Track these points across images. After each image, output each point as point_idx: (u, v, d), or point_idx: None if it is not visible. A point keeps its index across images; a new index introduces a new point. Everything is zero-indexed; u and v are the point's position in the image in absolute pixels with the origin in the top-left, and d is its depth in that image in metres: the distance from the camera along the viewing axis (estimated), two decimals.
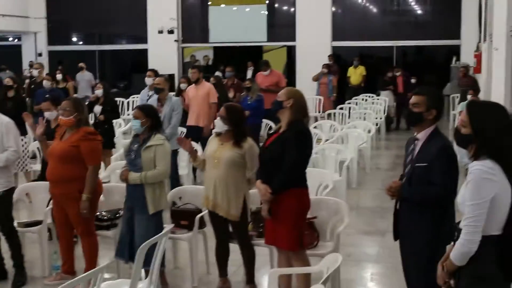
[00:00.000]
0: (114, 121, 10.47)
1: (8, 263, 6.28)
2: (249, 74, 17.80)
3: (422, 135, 4.27)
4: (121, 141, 10.32)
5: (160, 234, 4.78)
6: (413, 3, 20.19)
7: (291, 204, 5.06)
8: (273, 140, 5.14)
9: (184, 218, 6.17)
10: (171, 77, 18.18)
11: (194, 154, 5.77)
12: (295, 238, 5.10)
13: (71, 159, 5.78)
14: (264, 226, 5.38)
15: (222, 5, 20.73)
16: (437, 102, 4.31)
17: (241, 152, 5.45)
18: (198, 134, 9.58)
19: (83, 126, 5.86)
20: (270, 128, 11.22)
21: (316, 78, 16.00)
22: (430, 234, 4.17)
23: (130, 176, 5.59)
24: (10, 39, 23.54)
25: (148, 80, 11.02)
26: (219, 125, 5.53)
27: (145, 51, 20.74)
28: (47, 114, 7.26)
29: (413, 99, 4.30)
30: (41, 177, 7.18)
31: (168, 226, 5.28)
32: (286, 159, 4.97)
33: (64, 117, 5.84)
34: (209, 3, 20.68)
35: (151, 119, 5.63)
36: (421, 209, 4.21)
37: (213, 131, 5.84)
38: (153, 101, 8.63)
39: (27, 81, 14.45)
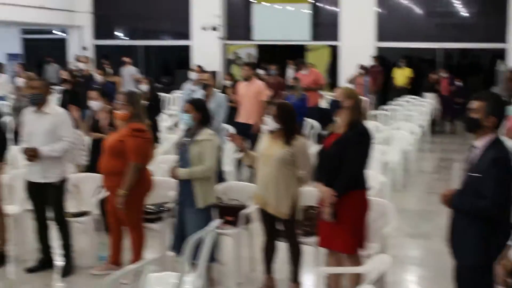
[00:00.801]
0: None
1: (57, 252, 6.39)
2: (290, 72, 17.76)
3: (480, 143, 4.09)
4: (166, 136, 10.38)
5: (207, 228, 4.81)
6: (458, 5, 19.92)
7: (352, 206, 5.01)
8: (334, 141, 5.07)
9: (230, 214, 6.18)
10: (214, 73, 18.25)
11: (245, 150, 5.77)
12: (354, 241, 5.06)
13: (117, 153, 5.84)
14: (319, 228, 5.29)
15: (266, 3, 20.71)
16: (497, 109, 4.08)
17: (292, 150, 5.41)
18: (247, 131, 9.60)
19: (134, 121, 5.90)
20: (312, 127, 11.19)
21: (350, 80, 15.86)
22: (479, 247, 4.03)
23: (178, 172, 5.63)
24: (56, 32, 23.85)
25: (193, 75, 11.11)
26: (270, 123, 5.52)
27: (188, 47, 20.86)
28: (92, 104, 7.35)
29: (472, 104, 4.11)
30: (89, 168, 7.27)
31: (216, 221, 5.29)
32: (348, 161, 4.92)
33: (118, 111, 5.90)
34: (253, 1, 20.69)
35: (201, 114, 5.66)
36: (471, 221, 4.06)
37: (264, 128, 5.83)
38: (196, 96, 8.66)
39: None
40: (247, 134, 9.52)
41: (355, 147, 4.94)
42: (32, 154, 5.94)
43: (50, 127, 6.01)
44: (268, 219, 5.62)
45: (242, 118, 9.97)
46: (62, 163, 6.13)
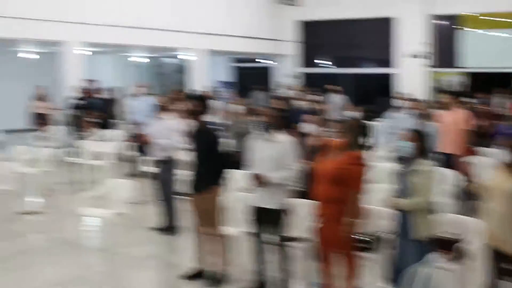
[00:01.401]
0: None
1: (272, 275, 6.57)
2: (498, 101, 16.89)
3: None
4: (376, 164, 10.34)
5: (424, 261, 4.71)
6: None
7: None
8: None
9: (446, 247, 6.00)
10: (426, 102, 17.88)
11: (473, 181, 5.60)
12: None
13: (338, 180, 5.88)
14: None
15: (475, 30, 20.03)
16: None
17: None
18: (450, 162, 9.30)
19: (352, 149, 5.96)
20: None
21: None
22: None
23: (395, 202, 5.58)
24: (260, 60, 24.74)
25: (399, 103, 11.03)
26: (506, 156, 5.31)
27: (392, 75, 20.72)
28: (307, 126, 7.49)
29: None
30: (302, 194, 7.41)
31: (433, 254, 5.17)
32: None
33: (336, 139, 5.98)
34: (461, 27, 20.10)
35: (422, 144, 5.60)
36: None
37: (493, 161, 5.62)
38: (405, 125, 8.57)
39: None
40: (450, 165, 9.21)
41: None
42: (260, 181, 6.21)
43: (277, 154, 6.25)
44: (497, 256, 5.37)
45: (443, 147, 9.70)
46: (284, 190, 6.34)
